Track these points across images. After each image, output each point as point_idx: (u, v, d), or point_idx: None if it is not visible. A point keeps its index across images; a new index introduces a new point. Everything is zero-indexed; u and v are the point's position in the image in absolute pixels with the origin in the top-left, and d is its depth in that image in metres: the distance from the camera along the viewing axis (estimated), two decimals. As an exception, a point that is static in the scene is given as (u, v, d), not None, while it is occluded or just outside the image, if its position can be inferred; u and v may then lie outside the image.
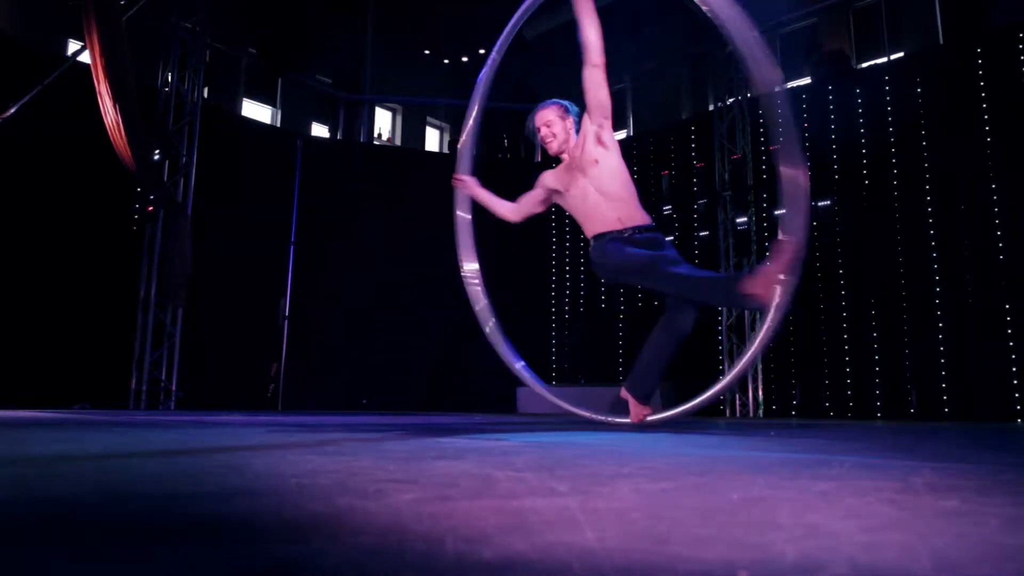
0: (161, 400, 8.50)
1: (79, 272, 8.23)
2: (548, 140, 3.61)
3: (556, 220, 11.96)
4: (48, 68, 7.50)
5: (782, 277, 2.99)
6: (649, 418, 3.52)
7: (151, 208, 8.61)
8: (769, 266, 3.06)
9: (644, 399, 3.48)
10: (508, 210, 3.93)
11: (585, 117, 3.56)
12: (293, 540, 0.78)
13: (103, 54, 6.05)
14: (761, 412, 9.20)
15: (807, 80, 10.03)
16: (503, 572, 0.65)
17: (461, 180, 4.11)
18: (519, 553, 0.71)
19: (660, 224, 10.81)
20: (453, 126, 14.06)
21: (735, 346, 9.51)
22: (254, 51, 11.25)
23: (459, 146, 4.33)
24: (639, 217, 3.52)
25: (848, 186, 8.98)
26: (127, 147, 6.58)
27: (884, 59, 9.69)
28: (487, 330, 4.12)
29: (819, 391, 8.77)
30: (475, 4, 11.22)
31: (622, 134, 11.80)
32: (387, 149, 12.85)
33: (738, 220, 9.70)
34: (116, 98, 6.24)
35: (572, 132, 3.62)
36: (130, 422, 3.95)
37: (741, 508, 1.02)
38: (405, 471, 1.51)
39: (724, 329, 9.61)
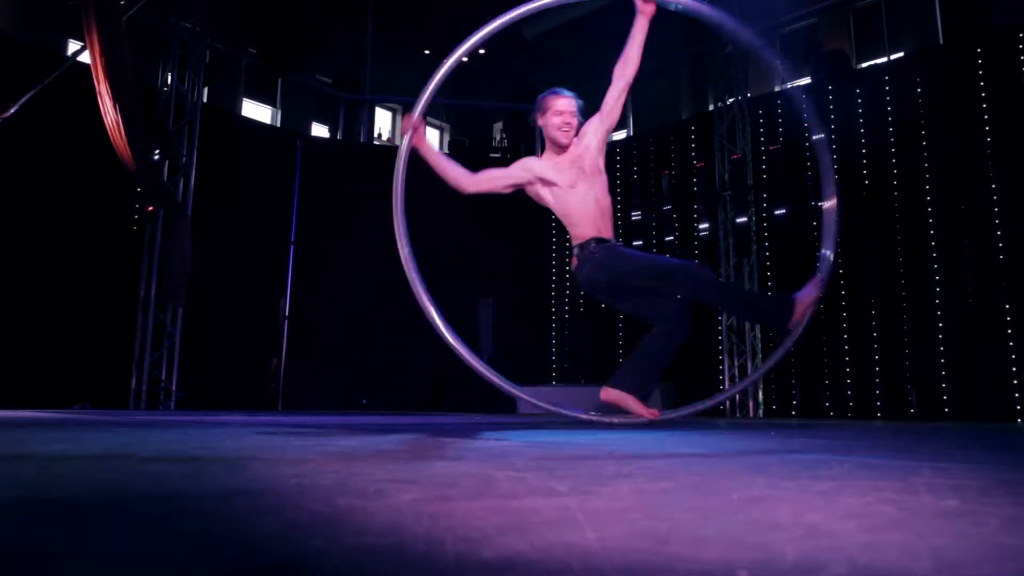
0: (161, 400, 8.50)
1: (79, 272, 8.23)
2: (569, 127, 3.48)
3: (556, 220, 11.95)
4: (48, 68, 7.50)
5: (814, 304, 3.09)
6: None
7: (151, 208, 8.62)
8: (809, 295, 3.12)
9: (644, 399, 3.44)
10: (461, 175, 3.57)
11: (595, 121, 3.51)
12: (293, 540, 0.78)
13: (103, 54, 6.05)
14: (761, 412, 9.19)
15: (807, 80, 10.03)
16: (503, 572, 0.65)
17: (412, 121, 3.61)
18: (519, 553, 0.71)
19: (660, 224, 10.81)
20: (453, 126, 14.07)
21: (735, 346, 9.51)
22: (254, 51, 11.25)
23: (424, 89, 3.70)
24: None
25: (848, 186, 8.98)
26: (127, 147, 6.58)
27: (884, 59, 9.69)
28: (439, 327, 3.65)
29: (819, 391, 8.77)
30: (475, 4, 11.21)
31: (622, 134, 11.80)
32: (387, 149, 12.85)
33: (738, 220, 9.70)
34: (116, 98, 6.24)
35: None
36: (130, 422, 3.95)
37: (741, 508, 1.02)
38: (405, 471, 1.51)
39: (724, 329, 9.61)
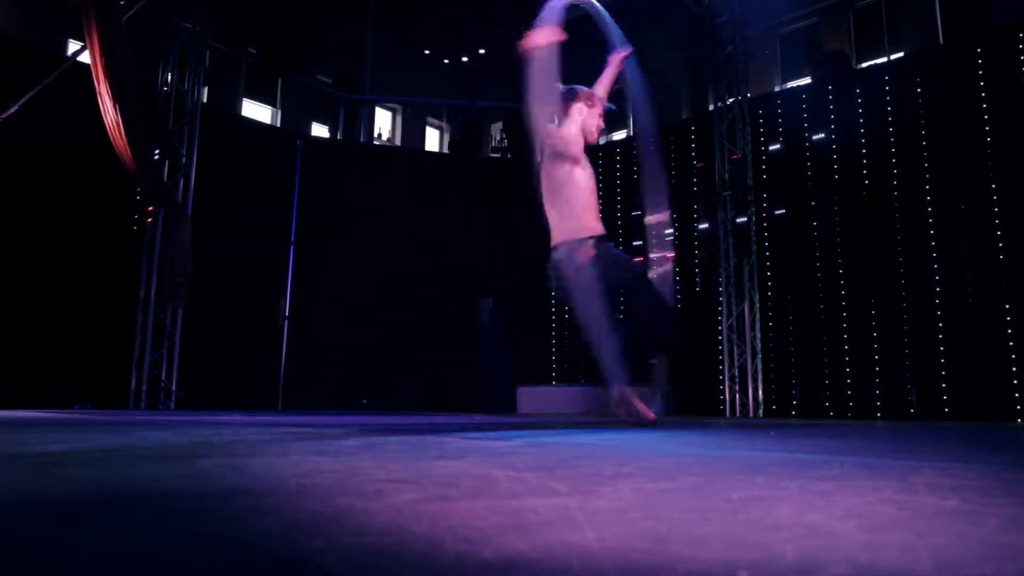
0: (161, 400, 8.50)
1: (79, 272, 8.23)
2: (601, 127, 3.61)
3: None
4: (48, 68, 7.50)
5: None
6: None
7: (151, 208, 8.62)
8: None
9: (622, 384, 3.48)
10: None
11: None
12: (293, 540, 0.78)
13: (103, 54, 6.05)
14: (761, 412, 9.20)
15: (807, 80, 10.03)
16: (503, 572, 0.65)
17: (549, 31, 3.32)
18: (519, 553, 0.71)
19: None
20: (453, 126, 14.07)
21: (735, 346, 9.51)
22: (254, 51, 11.25)
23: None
24: None
25: (848, 186, 8.99)
26: (127, 147, 6.58)
27: (884, 59, 9.69)
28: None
29: (819, 391, 8.77)
30: (475, 4, 11.23)
31: (622, 134, 11.80)
32: (387, 149, 12.86)
33: (738, 220, 9.70)
34: (116, 98, 6.24)
35: None
36: (130, 422, 3.95)
37: (741, 508, 1.02)
38: (405, 471, 1.51)
39: (724, 329, 9.61)
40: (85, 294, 8.27)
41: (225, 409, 8.17)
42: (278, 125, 11.78)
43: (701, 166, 10.38)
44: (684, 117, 11.40)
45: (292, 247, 10.57)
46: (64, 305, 8.09)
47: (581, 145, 3.54)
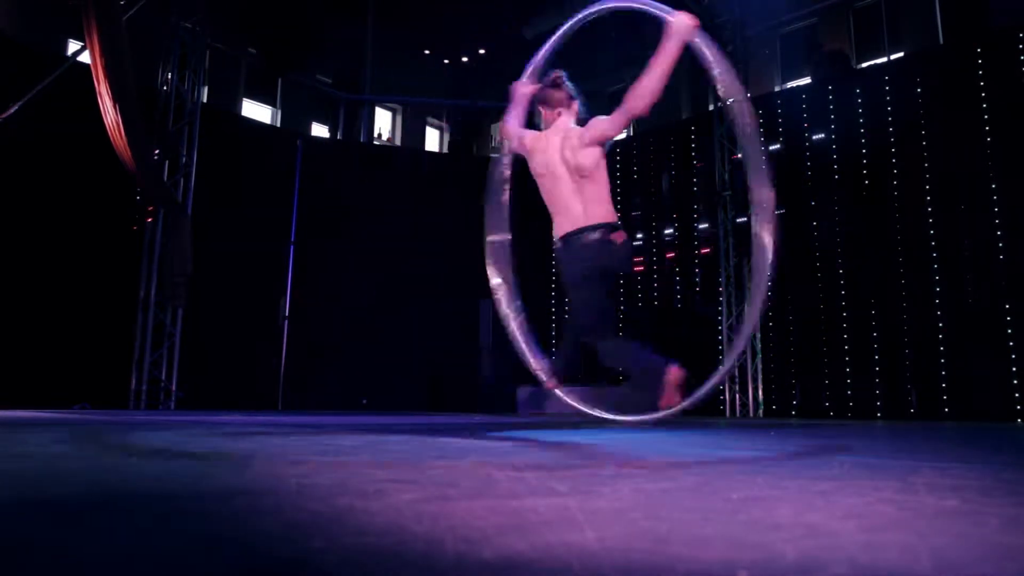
0: (161, 400, 8.50)
1: (79, 272, 8.23)
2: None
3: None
4: (48, 68, 7.50)
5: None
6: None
7: (151, 208, 8.62)
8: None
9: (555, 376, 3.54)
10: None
11: (579, 130, 3.35)
12: (293, 540, 0.78)
13: (103, 54, 6.05)
14: (761, 412, 9.20)
15: (807, 80, 10.03)
16: (503, 572, 0.65)
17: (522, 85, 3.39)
18: (519, 553, 0.71)
19: (660, 223, 10.82)
20: (453, 126, 14.06)
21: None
22: (254, 51, 11.25)
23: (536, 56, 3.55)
24: None
25: (848, 186, 8.99)
26: (127, 147, 6.58)
27: (884, 59, 9.69)
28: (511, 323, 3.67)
29: (819, 391, 8.77)
30: (475, 4, 11.23)
31: (622, 134, 11.80)
32: (387, 149, 12.85)
33: (738, 220, 9.70)
34: (116, 98, 6.24)
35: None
36: (130, 422, 3.95)
37: (741, 508, 1.02)
38: (405, 471, 1.51)
39: (724, 329, 9.61)
40: (85, 294, 8.26)
41: (225, 409, 8.17)
42: (278, 125, 11.78)
43: (701, 166, 10.38)
44: (684, 117, 11.40)
45: (292, 247, 10.57)
46: (64, 305, 8.09)
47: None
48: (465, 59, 13.13)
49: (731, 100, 3.42)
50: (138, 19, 7.66)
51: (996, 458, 2.19)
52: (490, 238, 3.81)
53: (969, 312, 7.83)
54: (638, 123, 12.10)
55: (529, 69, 3.61)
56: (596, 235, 3.12)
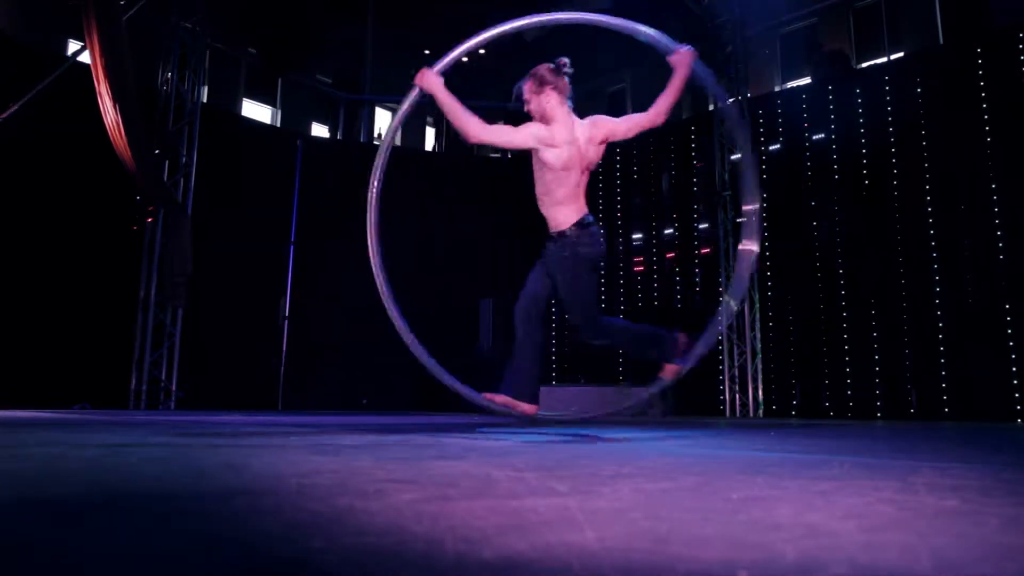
0: (161, 400, 8.50)
1: (79, 272, 8.23)
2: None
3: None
4: (48, 68, 7.50)
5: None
6: (539, 415, 3.63)
7: (151, 208, 8.62)
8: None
9: (532, 399, 3.58)
10: (474, 124, 3.48)
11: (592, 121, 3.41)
12: (293, 540, 0.78)
13: (103, 54, 6.05)
14: (761, 412, 9.19)
15: (807, 80, 10.03)
16: (503, 572, 0.65)
17: (426, 73, 3.44)
18: (519, 553, 0.71)
19: (659, 223, 10.83)
20: (452, 126, 14.05)
21: (735, 346, 9.51)
22: (254, 51, 11.25)
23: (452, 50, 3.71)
24: None
25: (848, 186, 8.99)
26: (127, 147, 6.58)
27: (884, 59, 9.69)
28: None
29: (819, 391, 8.77)
30: (475, 4, 11.22)
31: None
32: (387, 149, 12.83)
33: (738, 220, 9.70)
34: (116, 98, 6.24)
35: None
36: (130, 422, 3.95)
37: (741, 508, 1.02)
38: (405, 471, 1.51)
39: (724, 329, 9.61)
40: (85, 294, 8.26)
41: (225, 409, 8.18)
42: (278, 125, 11.78)
43: (701, 166, 10.38)
44: (684, 117, 11.40)
45: (292, 247, 10.57)
46: (64, 305, 8.09)
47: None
48: (465, 59, 13.13)
49: (728, 121, 3.75)
50: (138, 19, 7.66)
51: (996, 458, 2.19)
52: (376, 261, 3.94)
53: (969, 312, 7.83)
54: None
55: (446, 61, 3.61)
56: (596, 227, 3.36)
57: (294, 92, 12.03)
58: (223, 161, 9.55)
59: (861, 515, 0.96)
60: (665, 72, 3.45)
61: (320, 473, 1.42)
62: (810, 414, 8.74)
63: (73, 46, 9.17)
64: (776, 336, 9.33)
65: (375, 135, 13.10)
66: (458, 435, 3.07)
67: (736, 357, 9.48)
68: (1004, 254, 7.70)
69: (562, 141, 3.32)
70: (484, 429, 3.75)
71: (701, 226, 10.27)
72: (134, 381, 8.39)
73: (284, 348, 10.24)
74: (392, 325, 3.62)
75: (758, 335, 9.39)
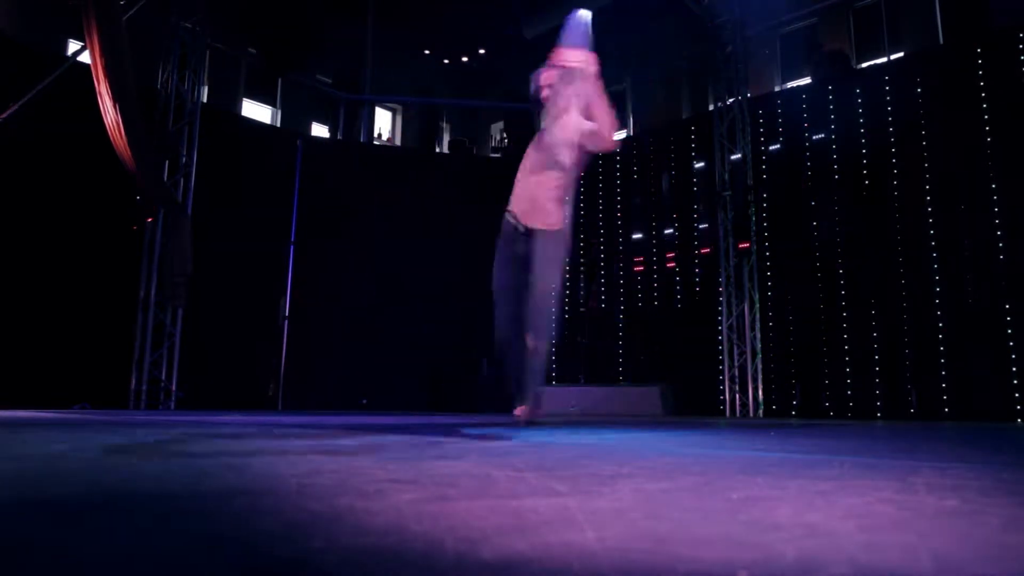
0: (161, 400, 8.50)
1: (79, 272, 8.23)
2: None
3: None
4: (48, 68, 7.51)
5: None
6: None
7: (151, 208, 8.62)
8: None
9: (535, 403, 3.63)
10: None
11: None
12: (294, 540, 0.78)
13: (103, 54, 6.05)
14: (761, 412, 9.19)
15: (807, 80, 10.03)
16: (503, 572, 0.65)
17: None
18: (519, 553, 0.71)
19: (660, 223, 10.82)
20: (453, 126, 14.06)
21: (735, 346, 9.51)
22: (254, 51, 11.25)
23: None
24: None
25: (848, 186, 8.99)
26: (127, 147, 6.58)
27: (884, 59, 9.69)
28: None
29: (819, 391, 8.78)
30: (475, 4, 11.23)
31: (622, 134, 11.80)
32: (387, 149, 12.85)
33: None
34: (116, 98, 6.24)
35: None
36: (130, 422, 3.95)
37: (741, 508, 1.02)
38: (405, 471, 1.51)
39: (724, 330, 9.61)
40: (85, 294, 8.27)
41: (225, 409, 8.17)
42: (278, 125, 11.78)
43: (701, 166, 10.39)
44: (684, 117, 11.40)
45: (292, 247, 10.57)
46: (64, 305, 8.09)
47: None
48: (465, 59, 13.13)
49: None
50: (138, 19, 7.67)
51: (996, 458, 2.19)
52: None
53: (969, 312, 7.83)
54: (638, 123, 12.10)
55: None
56: None
57: (294, 92, 12.04)
58: (223, 161, 9.55)
59: (861, 515, 0.96)
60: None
61: (320, 473, 1.42)
62: (810, 414, 8.74)
63: (73, 46, 9.17)
64: (776, 336, 9.33)
65: (375, 135, 13.11)
66: (458, 435, 3.07)
67: (736, 357, 9.48)
68: (1004, 254, 7.70)
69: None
70: (476, 429, 3.75)
71: (701, 226, 10.26)
72: (134, 381, 8.39)
73: (284, 348, 10.24)
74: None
75: (758, 335, 9.39)
